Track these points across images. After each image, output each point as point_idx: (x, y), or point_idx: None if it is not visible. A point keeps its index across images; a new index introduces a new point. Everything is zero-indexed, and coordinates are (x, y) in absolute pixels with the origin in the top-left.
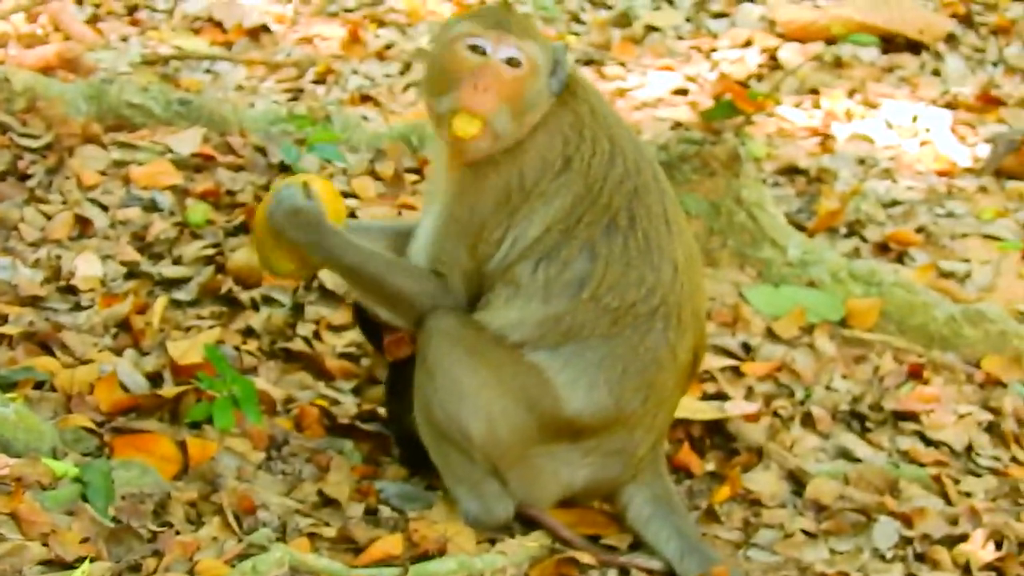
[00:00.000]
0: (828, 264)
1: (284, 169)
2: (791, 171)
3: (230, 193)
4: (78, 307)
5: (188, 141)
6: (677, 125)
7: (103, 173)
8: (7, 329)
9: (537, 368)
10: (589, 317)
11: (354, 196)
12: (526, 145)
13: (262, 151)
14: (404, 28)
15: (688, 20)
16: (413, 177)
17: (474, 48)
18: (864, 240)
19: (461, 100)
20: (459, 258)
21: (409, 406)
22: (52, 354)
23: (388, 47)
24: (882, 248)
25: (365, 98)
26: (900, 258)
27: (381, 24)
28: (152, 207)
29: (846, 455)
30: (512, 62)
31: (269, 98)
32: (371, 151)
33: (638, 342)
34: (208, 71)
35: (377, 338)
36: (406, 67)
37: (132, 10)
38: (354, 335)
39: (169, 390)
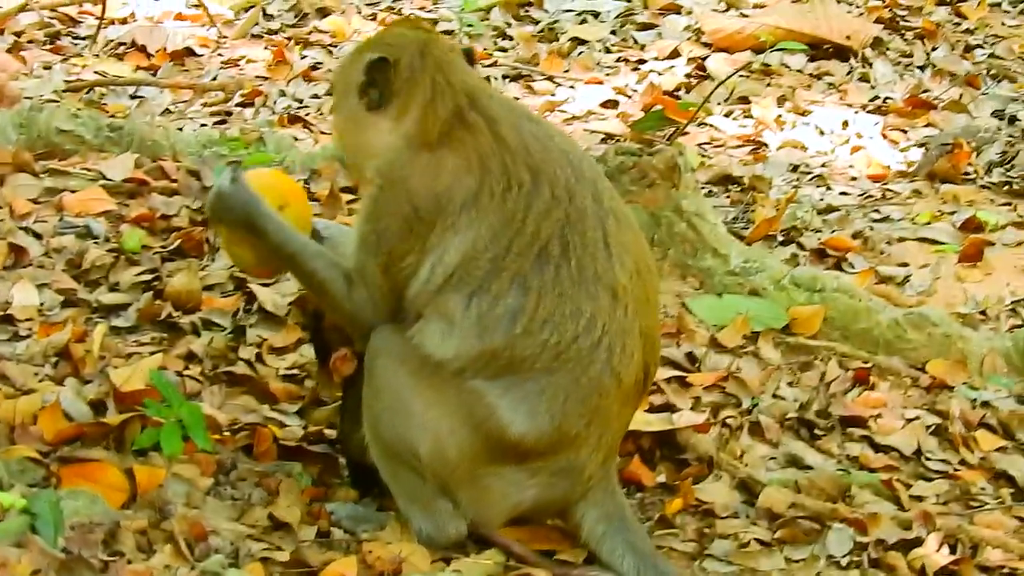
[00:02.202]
0: (770, 272)
1: None
2: (725, 180)
3: (165, 218)
4: (16, 337)
5: (120, 167)
6: (608, 137)
7: (35, 201)
8: None
9: (478, 392)
10: (527, 352)
11: None
12: (405, 178)
13: (196, 175)
14: (329, 49)
15: (614, 33)
16: (348, 196)
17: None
18: (801, 247)
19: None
20: (372, 273)
21: (358, 426)
22: None
23: (314, 68)
24: (820, 254)
25: (294, 119)
26: (838, 264)
27: (307, 45)
28: (87, 234)
29: (796, 463)
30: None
31: (197, 122)
32: (305, 171)
33: (580, 374)
34: (134, 96)
35: (326, 355)
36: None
37: (54, 38)
38: (296, 357)
39: (114, 417)
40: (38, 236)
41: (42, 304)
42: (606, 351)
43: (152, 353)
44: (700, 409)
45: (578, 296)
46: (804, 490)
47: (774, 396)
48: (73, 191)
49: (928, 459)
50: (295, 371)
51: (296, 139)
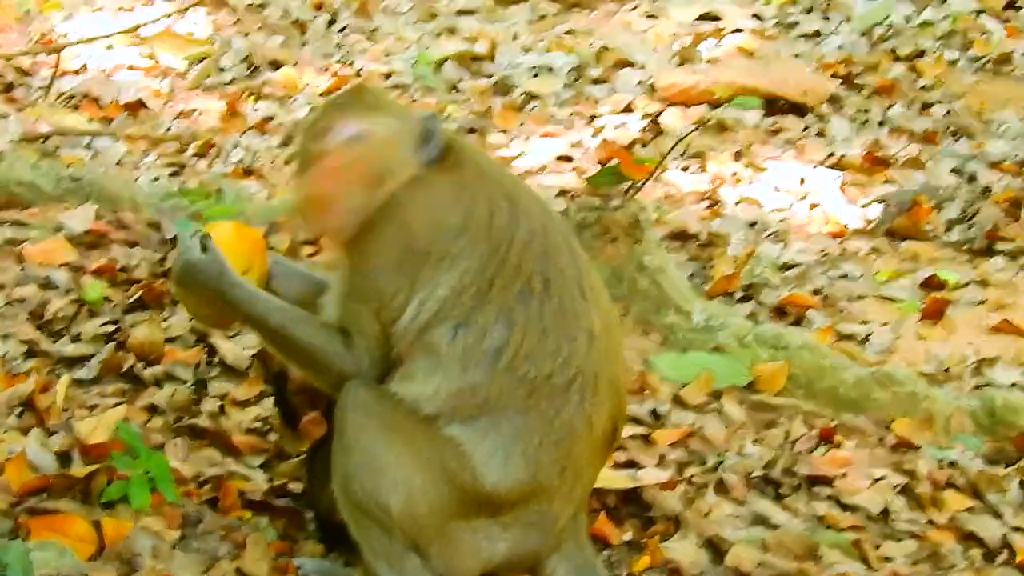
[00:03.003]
0: (733, 328)
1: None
2: (682, 236)
3: (125, 269)
4: None
5: (80, 218)
6: (563, 192)
7: None
8: None
9: (453, 441)
10: (505, 388)
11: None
12: (407, 208)
13: (155, 226)
14: (283, 100)
15: (567, 87)
16: (309, 249)
17: (317, 135)
18: (760, 304)
19: (305, 187)
20: (363, 322)
21: (325, 483)
22: None
23: (267, 120)
24: (779, 312)
25: (248, 171)
26: (798, 321)
27: (259, 97)
28: (48, 285)
29: (763, 521)
30: (356, 139)
31: (152, 172)
32: (265, 224)
33: (554, 415)
34: (88, 147)
35: (292, 418)
36: (287, 139)
37: (8, 88)
38: (259, 410)
39: (80, 469)
40: None
41: (5, 354)
42: (578, 393)
43: (115, 405)
44: (665, 466)
45: (558, 334)
46: (772, 549)
47: (739, 454)
48: (33, 242)
49: (895, 519)
50: (258, 424)
51: (251, 191)
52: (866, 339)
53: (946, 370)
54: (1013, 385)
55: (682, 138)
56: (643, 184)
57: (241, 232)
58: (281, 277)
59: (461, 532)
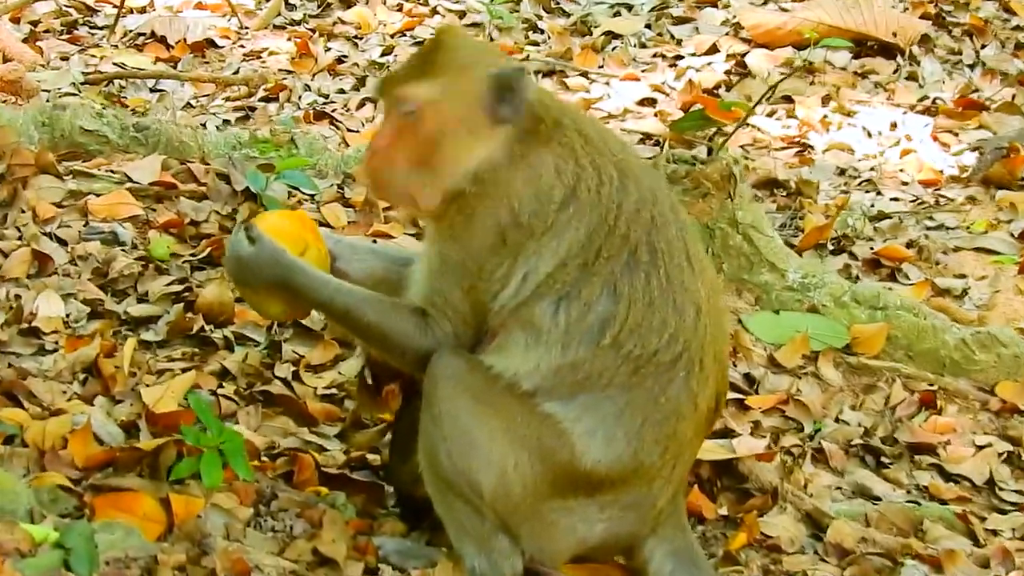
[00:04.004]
0: (830, 287)
1: (250, 196)
2: (770, 184)
3: (194, 224)
4: (42, 350)
5: (147, 169)
6: (646, 137)
7: (59, 205)
8: None
9: (552, 418)
10: (608, 365)
11: (325, 224)
12: (508, 180)
13: (225, 178)
14: (355, 40)
15: (649, 27)
16: (384, 203)
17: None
18: (854, 257)
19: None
20: (452, 300)
21: (407, 456)
22: (19, 404)
23: (340, 61)
24: (873, 264)
25: (320, 115)
26: (892, 275)
27: (331, 37)
28: (113, 240)
29: (864, 493)
30: (411, 107)
31: (219, 117)
32: (339, 176)
33: (659, 393)
34: (154, 89)
35: (376, 386)
36: (360, 82)
37: (71, 27)
38: (335, 375)
39: (147, 442)
40: (63, 242)
41: (68, 315)
42: (684, 369)
43: (184, 370)
44: (760, 435)
45: (665, 307)
46: (874, 523)
47: (837, 420)
48: (98, 194)
49: (1001, 489)
50: (333, 390)
51: (323, 136)
52: (964, 294)
53: None
54: None
55: (774, 86)
56: (733, 133)
57: (290, 216)
58: (346, 256)
59: (556, 513)
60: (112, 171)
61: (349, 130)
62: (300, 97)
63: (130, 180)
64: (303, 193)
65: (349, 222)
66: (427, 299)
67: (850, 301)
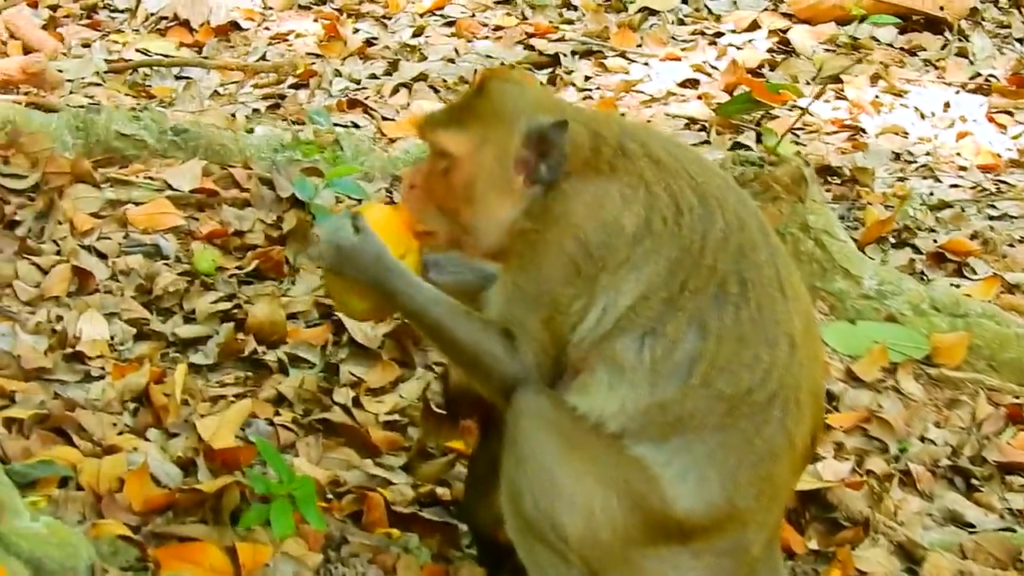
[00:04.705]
0: (907, 295)
1: (296, 203)
2: (823, 171)
3: (239, 234)
4: (88, 377)
5: (187, 175)
6: (692, 122)
7: (97, 215)
8: (16, 411)
9: (641, 463)
10: (700, 406)
11: None
12: (568, 212)
13: (269, 184)
14: (383, 21)
15: (686, 2)
16: None
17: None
18: (917, 251)
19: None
20: (530, 328)
21: (485, 496)
22: (69, 439)
23: (369, 43)
24: (938, 258)
25: (353, 103)
26: (959, 270)
27: (358, 17)
28: (155, 253)
29: (956, 519)
30: (443, 155)
31: (248, 105)
32: (387, 179)
33: (754, 434)
34: (180, 77)
35: (450, 415)
36: (392, 66)
37: (91, 11)
38: (396, 399)
39: (209, 484)
40: (102, 256)
41: (112, 337)
42: (780, 409)
43: (237, 395)
44: (843, 456)
45: (757, 342)
46: (970, 554)
47: (922, 439)
48: (137, 203)
49: None
50: (395, 416)
51: (356, 125)
52: None
53: None
54: None
55: (830, 77)
56: (792, 124)
57: (395, 213)
58: (436, 265)
59: (646, 560)
60: (151, 178)
61: (384, 118)
62: (331, 83)
63: (170, 187)
64: (351, 199)
65: None
66: (508, 323)
67: (929, 309)
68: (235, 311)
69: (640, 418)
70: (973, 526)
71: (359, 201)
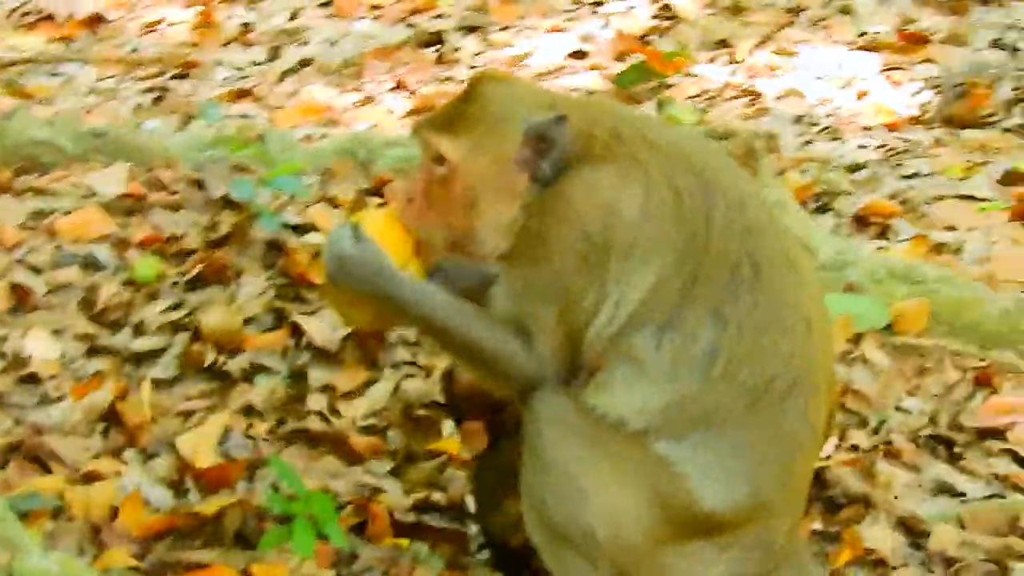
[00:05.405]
0: (864, 264)
1: (228, 204)
2: (728, 137)
3: (175, 238)
4: (47, 399)
5: (113, 180)
6: (589, 95)
7: (23, 227)
8: None
9: (665, 460)
10: (723, 400)
11: (314, 229)
12: (567, 200)
13: (198, 184)
14: (255, 4)
15: None
16: (376, 200)
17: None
18: (839, 215)
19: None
20: (544, 322)
21: (497, 502)
22: (45, 466)
23: (246, 29)
24: (860, 221)
25: (241, 93)
26: (883, 231)
27: (231, 1)
28: (92, 264)
29: (946, 489)
30: (440, 163)
31: (131, 101)
32: (317, 172)
33: (777, 424)
34: (54, 74)
35: (459, 419)
36: (274, 52)
37: None
38: (368, 403)
39: (207, 505)
40: (36, 271)
41: (63, 355)
42: (801, 396)
43: (205, 408)
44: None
45: (775, 329)
46: (969, 525)
47: (898, 409)
48: (65, 212)
49: None
50: (372, 419)
51: (247, 116)
52: (959, 248)
53: None
54: None
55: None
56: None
57: (393, 219)
58: (441, 271)
59: (674, 558)
60: (74, 185)
61: (275, 107)
62: (214, 73)
63: (95, 194)
64: (284, 195)
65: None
66: (520, 320)
67: (886, 277)
68: (186, 320)
69: (662, 414)
70: (964, 495)
71: (292, 197)
